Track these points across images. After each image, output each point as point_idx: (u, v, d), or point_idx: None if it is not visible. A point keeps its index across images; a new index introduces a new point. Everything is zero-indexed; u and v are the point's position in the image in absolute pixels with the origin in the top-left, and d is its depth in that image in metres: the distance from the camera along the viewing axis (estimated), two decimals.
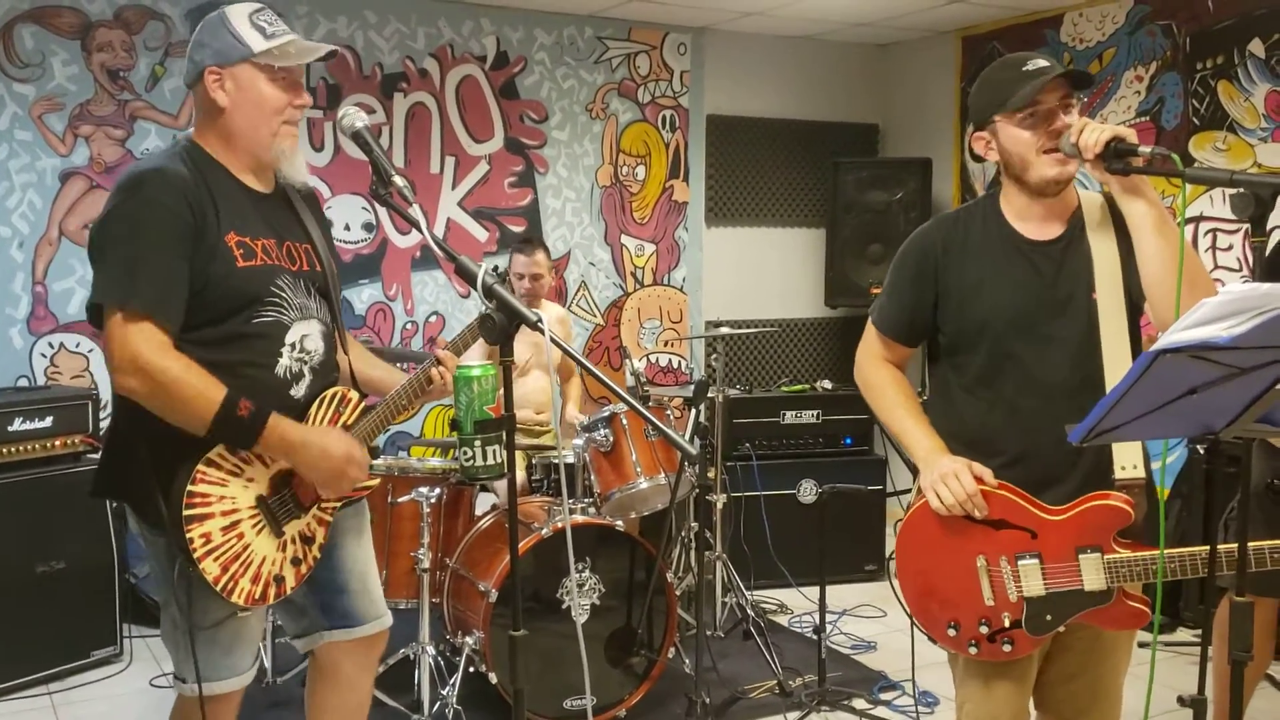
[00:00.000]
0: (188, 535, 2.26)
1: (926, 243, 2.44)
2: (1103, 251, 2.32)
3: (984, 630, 2.30)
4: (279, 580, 2.42)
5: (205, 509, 2.29)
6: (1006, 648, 2.30)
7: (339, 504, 2.57)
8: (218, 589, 2.30)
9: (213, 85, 2.37)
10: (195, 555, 2.27)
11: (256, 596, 2.37)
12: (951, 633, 2.33)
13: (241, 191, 2.42)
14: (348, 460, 2.41)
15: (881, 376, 2.52)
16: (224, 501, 2.32)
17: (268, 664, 4.18)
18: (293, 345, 2.42)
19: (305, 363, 2.45)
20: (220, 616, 2.38)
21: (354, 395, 2.56)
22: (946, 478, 2.27)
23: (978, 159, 6.38)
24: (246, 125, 2.39)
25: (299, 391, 2.44)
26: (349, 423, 2.53)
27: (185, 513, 2.26)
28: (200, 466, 2.29)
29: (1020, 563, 2.27)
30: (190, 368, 2.24)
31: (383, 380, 2.68)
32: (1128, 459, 2.30)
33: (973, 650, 2.32)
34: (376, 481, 2.68)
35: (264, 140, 2.41)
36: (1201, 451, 4.61)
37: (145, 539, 2.42)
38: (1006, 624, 2.29)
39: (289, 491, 2.45)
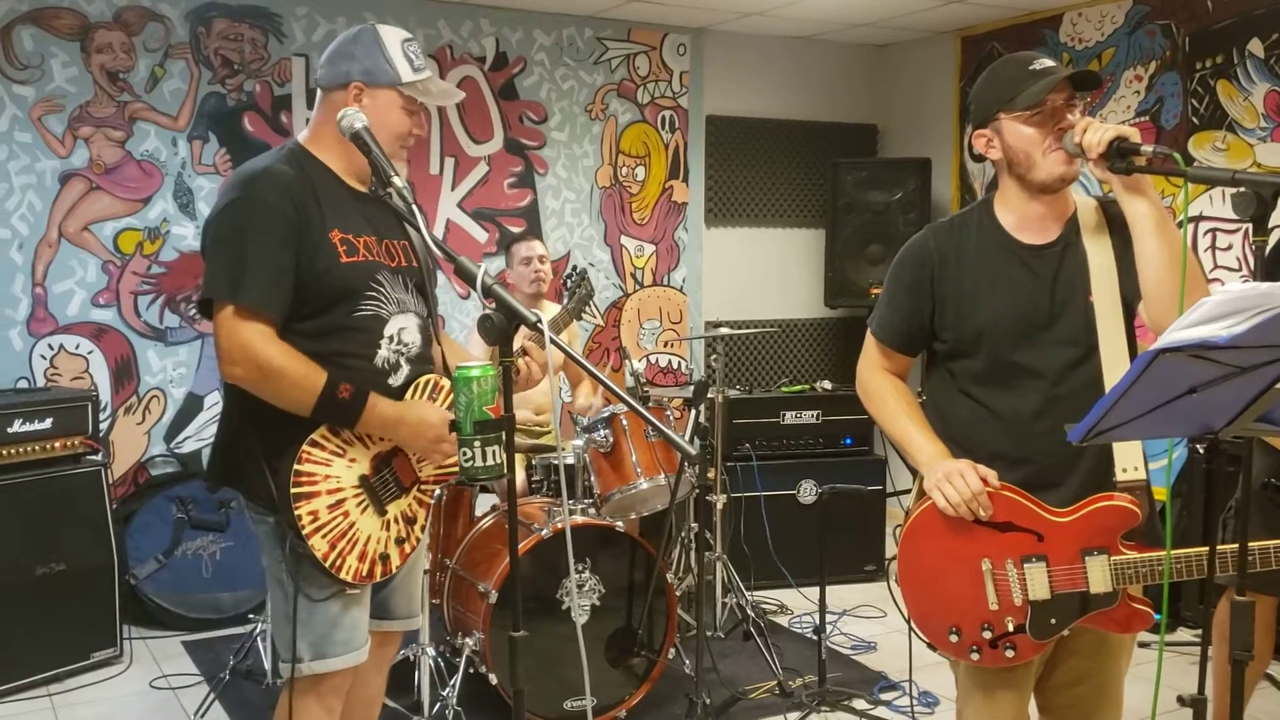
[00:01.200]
0: (296, 513, 2.38)
1: (923, 251, 2.43)
2: (1098, 255, 2.32)
3: (986, 635, 2.28)
4: (384, 559, 2.54)
5: (312, 487, 2.41)
6: (1009, 653, 2.29)
7: (434, 485, 2.68)
8: (326, 565, 2.41)
9: (353, 98, 2.51)
10: (304, 532, 2.38)
11: (364, 574, 2.49)
12: (953, 639, 2.31)
13: (344, 191, 2.53)
14: (445, 424, 2.49)
15: (882, 385, 2.51)
16: (329, 480, 2.44)
17: (267, 666, 4.18)
18: (391, 337, 2.54)
19: (402, 354, 2.57)
20: (329, 593, 2.47)
21: (445, 383, 2.65)
22: (951, 476, 2.26)
23: (978, 159, 6.39)
24: None
25: (397, 380, 2.56)
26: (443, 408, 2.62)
27: (293, 491, 2.38)
28: (305, 447, 2.41)
29: (1026, 566, 2.26)
30: (292, 355, 2.38)
31: None
32: (1128, 461, 2.30)
33: (974, 656, 2.30)
34: None
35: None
36: (1201, 451, 4.61)
37: (253, 521, 2.52)
38: (1010, 628, 2.28)
39: (389, 471, 2.56)
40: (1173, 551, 2.19)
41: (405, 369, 2.57)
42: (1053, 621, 2.27)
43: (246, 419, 2.44)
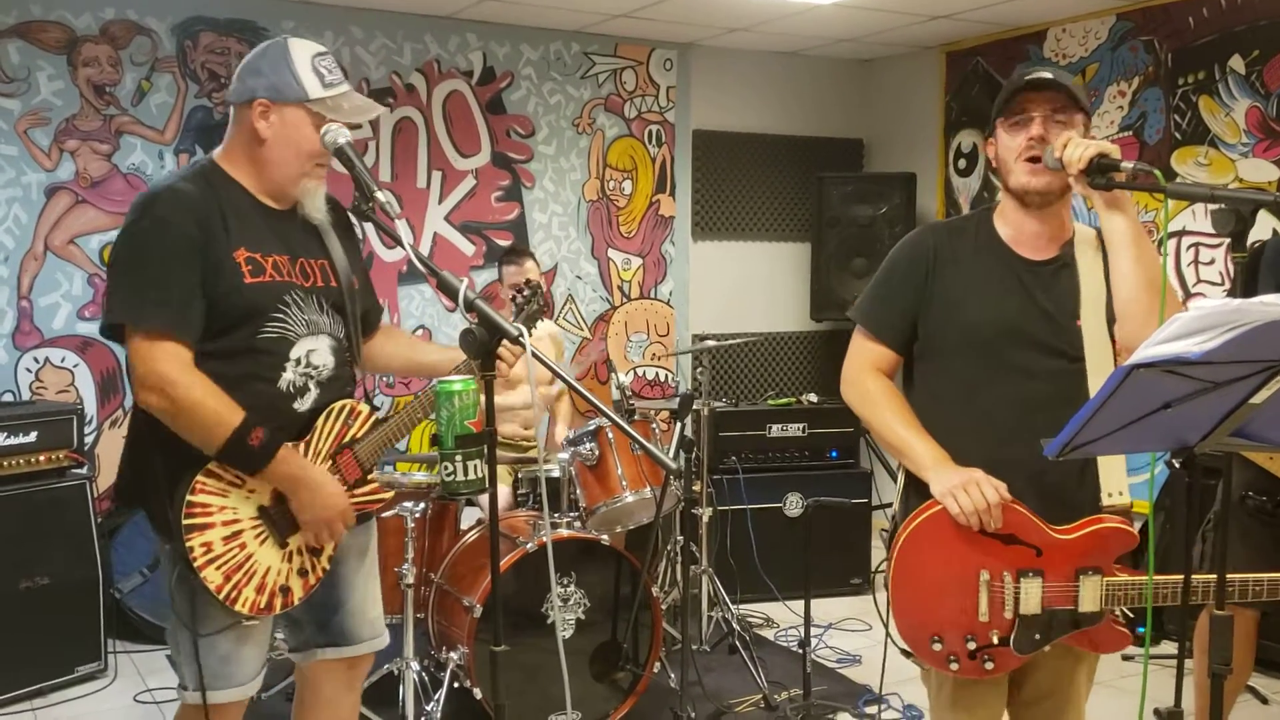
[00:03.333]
0: (187, 544, 2.32)
1: (920, 247, 2.44)
2: (1090, 279, 2.33)
3: (970, 646, 2.29)
4: (285, 591, 2.47)
5: (205, 519, 2.35)
6: (988, 665, 2.29)
7: (353, 521, 2.57)
8: (220, 597, 2.35)
9: (258, 115, 2.42)
10: (196, 564, 2.32)
11: (261, 606, 2.42)
12: (936, 647, 2.30)
13: (256, 209, 2.47)
14: (342, 514, 2.46)
15: (873, 387, 2.45)
16: (225, 512, 2.38)
17: None
18: (298, 360, 2.47)
19: (311, 377, 2.49)
20: (223, 625, 2.41)
21: (363, 408, 2.60)
22: (968, 486, 2.23)
23: (962, 173, 6.43)
24: (280, 160, 2.45)
25: (303, 405, 2.49)
26: (358, 435, 2.57)
27: (185, 522, 2.32)
28: (200, 477, 2.35)
29: (1023, 580, 2.27)
30: (211, 390, 2.31)
31: (434, 363, 2.70)
32: (1113, 485, 2.32)
33: (952, 666, 2.31)
34: (391, 495, 2.70)
35: (293, 177, 2.47)
36: (1177, 465, 4.62)
37: (158, 544, 2.47)
38: (994, 641, 2.28)
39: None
40: (1157, 577, 2.21)
41: (314, 392, 2.50)
42: (1037, 636, 2.28)
43: (153, 441, 2.37)
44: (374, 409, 2.64)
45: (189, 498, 2.33)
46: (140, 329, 2.30)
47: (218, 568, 2.35)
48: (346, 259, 2.62)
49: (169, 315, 2.30)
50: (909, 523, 2.34)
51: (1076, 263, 2.35)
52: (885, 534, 2.45)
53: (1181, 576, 2.19)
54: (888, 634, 2.39)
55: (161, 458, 2.36)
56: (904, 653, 2.38)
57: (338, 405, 2.54)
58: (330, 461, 2.52)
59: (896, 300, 2.45)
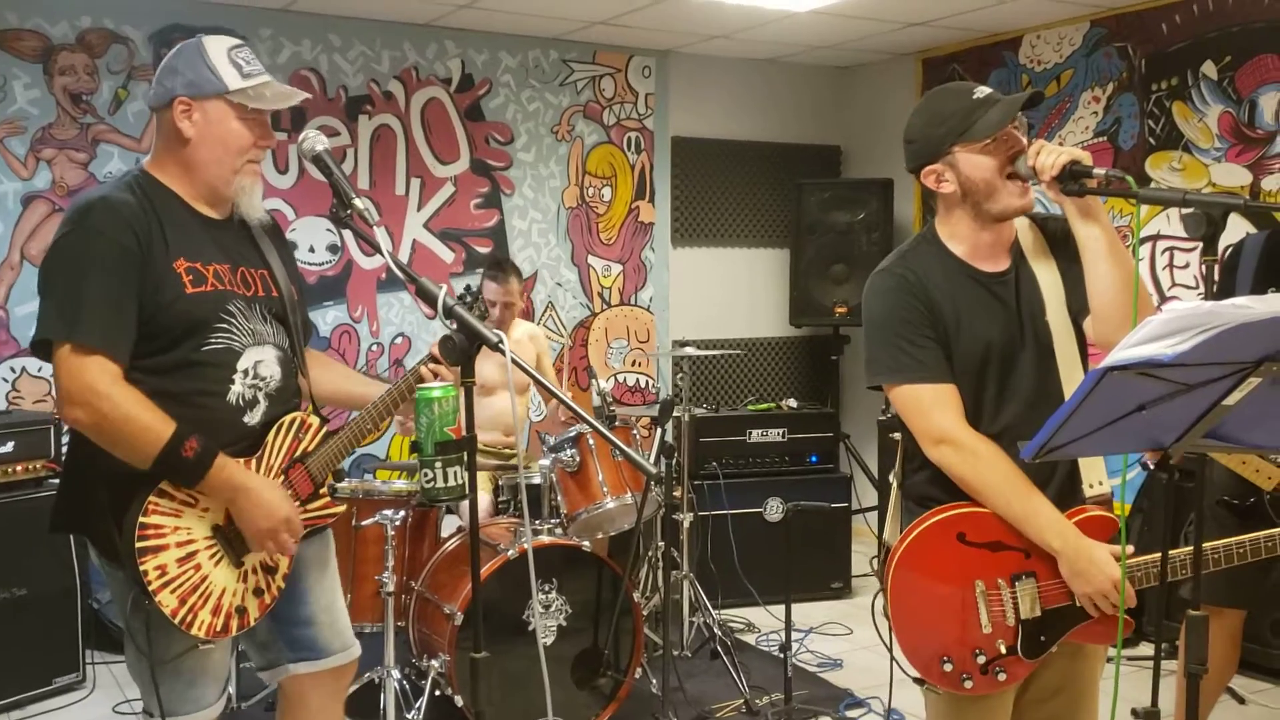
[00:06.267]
0: (141, 568, 2.23)
1: (904, 282, 2.34)
2: (1045, 275, 2.34)
3: (980, 660, 2.26)
4: (241, 612, 2.39)
5: (159, 540, 2.26)
6: (1001, 676, 2.26)
7: (302, 532, 2.50)
8: (176, 621, 2.27)
9: (180, 115, 2.36)
10: (151, 588, 2.24)
11: (218, 629, 2.34)
12: (946, 668, 2.26)
13: (193, 218, 2.40)
14: (285, 523, 2.36)
15: (986, 449, 2.26)
16: (178, 533, 2.29)
17: (232, 690, 4.14)
18: (245, 371, 2.40)
19: (260, 389, 2.42)
20: (181, 649, 2.35)
21: (314, 420, 2.53)
22: (1109, 595, 2.21)
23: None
24: (210, 159, 2.38)
25: (253, 418, 2.42)
26: (309, 448, 2.50)
27: (138, 545, 2.22)
28: (152, 498, 2.26)
29: (1017, 584, 2.26)
30: (141, 402, 2.23)
31: (363, 395, 2.63)
32: (1094, 476, 2.33)
33: (967, 684, 2.26)
34: (342, 508, 2.66)
35: (225, 176, 2.40)
36: (1152, 467, 4.65)
37: (105, 571, 2.38)
38: (1002, 651, 2.25)
39: None
40: (1143, 558, 2.23)
41: (263, 404, 2.43)
42: (1043, 639, 2.27)
43: (94, 464, 2.28)
44: (324, 421, 2.56)
45: (141, 519, 2.23)
46: (69, 344, 2.21)
47: (172, 591, 2.26)
48: (285, 270, 2.56)
49: (99, 330, 2.21)
50: (897, 548, 2.31)
51: (1028, 261, 2.36)
52: (875, 561, 2.44)
53: (1151, 556, 2.22)
54: (893, 660, 2.31)
55: (107, 480, 2.27)
56: (916, 680, 2.33)
57: (288, 419, 2.47)
58: (283, 476, 2.45)
59: (924, 336, 2.32)
